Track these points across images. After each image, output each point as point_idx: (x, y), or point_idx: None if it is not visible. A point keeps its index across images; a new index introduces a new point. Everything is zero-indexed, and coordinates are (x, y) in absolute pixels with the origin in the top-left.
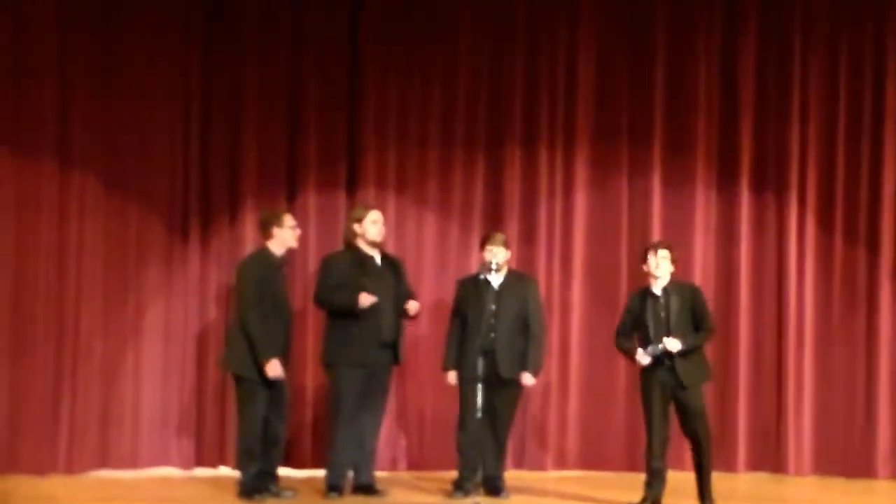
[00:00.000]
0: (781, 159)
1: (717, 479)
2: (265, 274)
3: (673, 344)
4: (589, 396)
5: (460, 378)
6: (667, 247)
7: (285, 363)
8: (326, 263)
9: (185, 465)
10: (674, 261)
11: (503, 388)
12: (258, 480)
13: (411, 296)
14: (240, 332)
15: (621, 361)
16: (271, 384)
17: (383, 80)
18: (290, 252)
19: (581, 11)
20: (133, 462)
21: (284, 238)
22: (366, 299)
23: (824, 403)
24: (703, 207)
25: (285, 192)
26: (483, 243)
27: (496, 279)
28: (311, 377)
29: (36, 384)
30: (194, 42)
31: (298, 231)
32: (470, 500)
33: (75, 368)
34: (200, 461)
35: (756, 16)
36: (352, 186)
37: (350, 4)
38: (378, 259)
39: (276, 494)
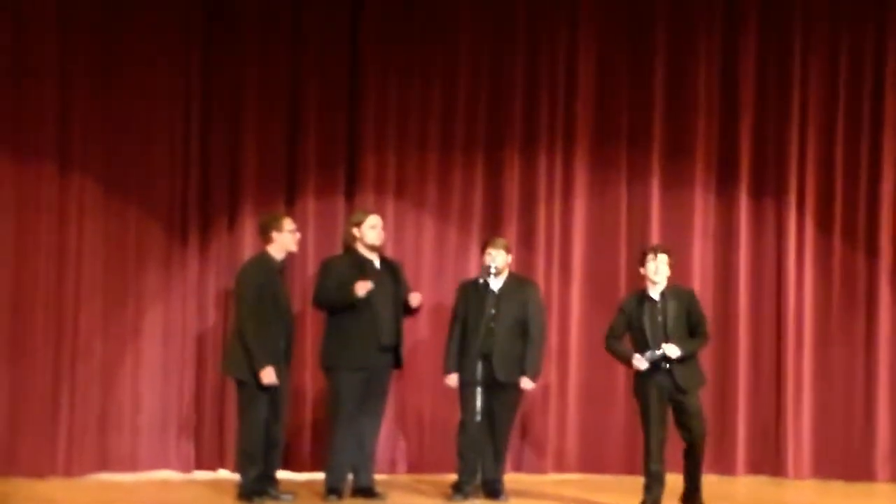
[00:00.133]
0: (781, 162)
1: (716, 481)
2: (265, 278)
3: (673, 350)
4: (588, 400)
5: (460, 381)
6: (666, 251)
7: (286, 367)
8: (326, 267)
9: (185, 468)
10: (671, 265)
11: (502, 392)
12: (257, 483)
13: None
14: (239, 337)
15: (621, 365)
16: (271, 388)
17: (383, 82)
18: (290, 256)
19: (581, 13)
20: (132, 465)
21: (284, 242)
22: (361, 288)
23: (823, 406)
24: (702, 210)
25: (284, 195)
26: (484, 247)
27: (496, 283)
28: (311, 380)
29: (35, 387)
30: (194, 43)
31: (298, 235)
32: (469, 503)
33: (74, 371)
34: (200, 464)
35: (756, 17)
36: (351, 190)
37: (350, 5)
38: (377, 263)
39: (276, 497)
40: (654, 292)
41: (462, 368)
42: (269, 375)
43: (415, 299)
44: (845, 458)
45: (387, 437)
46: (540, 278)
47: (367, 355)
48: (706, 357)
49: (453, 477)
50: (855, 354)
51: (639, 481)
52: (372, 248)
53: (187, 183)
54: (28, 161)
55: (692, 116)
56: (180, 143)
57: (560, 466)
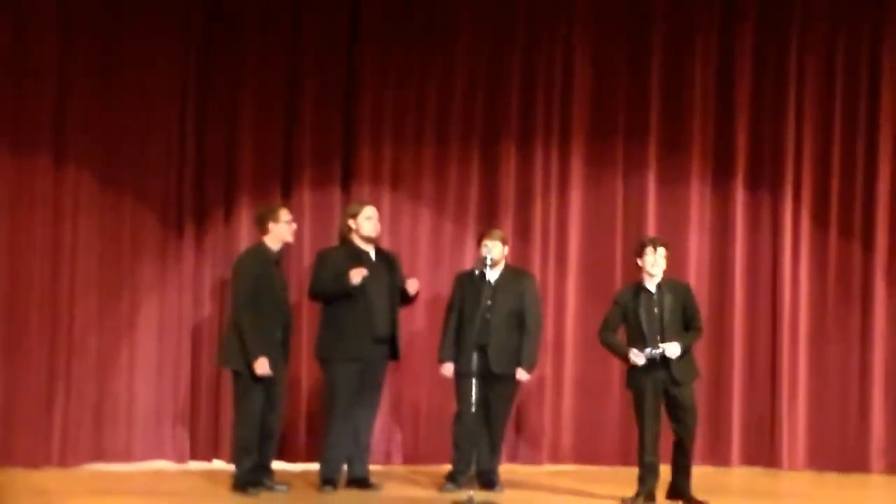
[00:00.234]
0: (777, 157)
1: (711, 473)
2: (261, 269)
3: (673, 349)
4: (583, 391)
5: (456, 372)
6: (665, 245)
7: (284, 358)
8: (321, 258)
9: (179, 459)
10: (667, 258)
11: (498, 383)
12: (252, 474)
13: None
14: (235, 328)
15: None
16: (266, 379)
17: (380, 77)
18: (286, 247)
19: (578, 10)
20: (127, 455)
21: (280, 233)
22: (356, 275)
23: (818, 398)
24: (698, 205)
25: (280, 187)
26: (480, 238)
27: (493, 274)
28: (306, 371)
29: (30, 378)
30: (193, 40)
31: (294, 226)
32: (463, 493)
33: (70, 363)
34: (194, 455)
35: (753, 15)
36: (347, 182)
37: (349, 2)
38: (373, 254)
39: (270, 488)
40: (651, 284)
41: (458, 359)
42: (262, 366)
43: (412, 286)
44: (840, 450)
45: (382, 429)
46: (536, 271)
47: (362, 347)
48: (701, 349)
49: (448, 468)
50: (850, 347)
51: (633, 472)
52: (368, 239)
53: (182, 176)
54: (23, 155)
55: (688, 111)
56: (176, 135)
57: (555, 457)
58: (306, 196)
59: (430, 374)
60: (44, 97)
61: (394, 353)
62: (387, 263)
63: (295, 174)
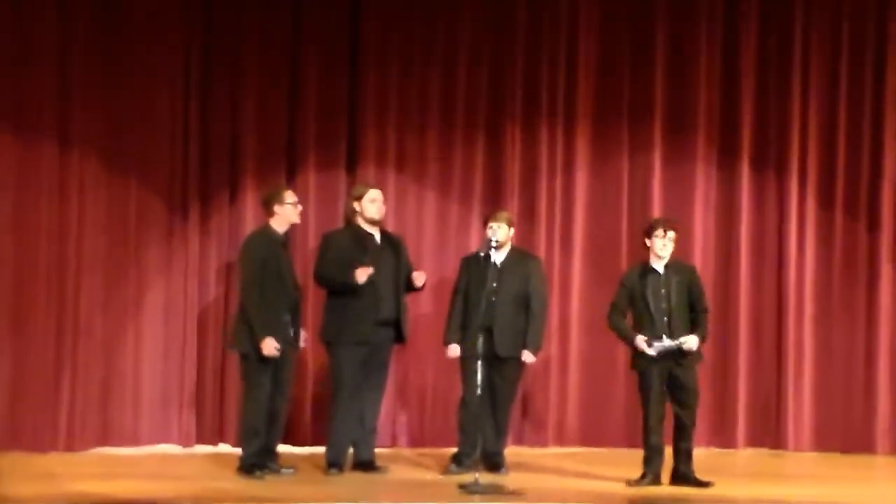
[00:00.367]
0: (782, 137)
1: (717, 454)
2: (268, 252)
3: (692, 342)
4: (589, 373)
5: (462, 355)
6: (675, 228)
7: (294, 340)
8: (326, 241)
9: (186, 442)
10: (675, 241)
11: (503, 366)
12: (258, 457)
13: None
14: (242, 310)
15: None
16: (274, 361)
17: (384, 59)
18: (292, 229)
19: None
20: (133, 439)
21: (286, 215)
22: (362, 274)
23: (824, 379)
24: (704, 185)
25: (285, 169)
26: (486, 221)
27: (498, 256)
28: (312, 355)
29: (37, 362)
30: (195, 21)
31: (300, 207)
32: (469, 475)
33: (76, 346)
34: (201, 438)
35: None
36: (352, 165)
37: None
38: (378, 237)
39: (276, 471)
40: (659, 266)
41: (463, 342)
42: (269, 347)
43: (419, 279)
44: (845, 431)
45: (388, 412)
46: (541, 252)
47: (367, 330)
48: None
49: (454, 451)
50: (855, 328)
51: (639, 455)
52: (372, 222)
53: (188, 158)
54: (28, 138)
55: (693, 90)
56: (181, 118)
57: (561, 440)
58: (311, 178)
59: (435, 357)
60: (46, 80)
61: (399, 337)
62: (392, 246)
63: (300, 157)
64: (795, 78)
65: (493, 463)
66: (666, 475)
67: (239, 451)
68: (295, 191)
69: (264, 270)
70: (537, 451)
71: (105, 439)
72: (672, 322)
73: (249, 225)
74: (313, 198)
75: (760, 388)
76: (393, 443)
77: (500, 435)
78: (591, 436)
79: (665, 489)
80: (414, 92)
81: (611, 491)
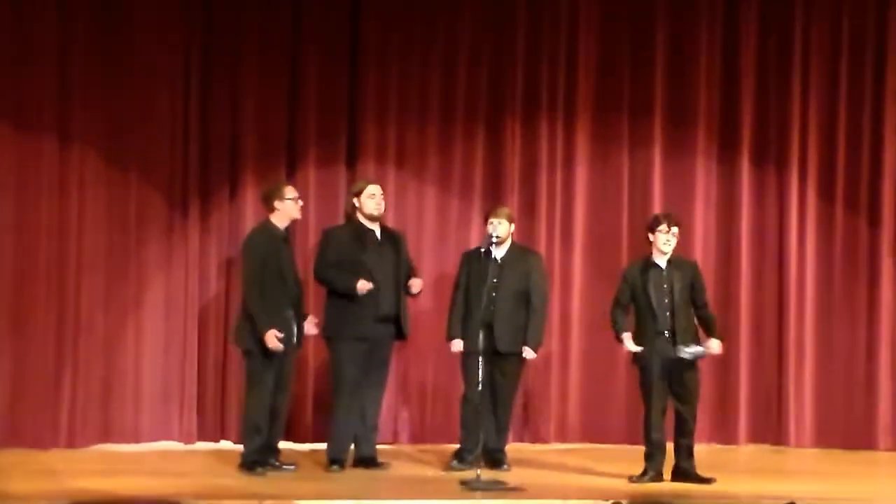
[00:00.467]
0: (782, 132)
1: (718, 450)
2: (269, 249)
3: (717, 346)
4: (590, 369)
5: (463, 351)
6: (678, 224)
7: (298, 335)
8: (326, 237)
9: (187, 439)
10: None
11: (504, 362)
12: (259, 454)
13: (412, 269)
14: (244, 307)
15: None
16: (278, 357)
17: (384, 54)
18: (293, 224)
19: None
20: (135, 436)
21: (287, 210)
22: (363, 286)
23: (825, 375)
24: (704, 179)
25: (285, 166)
26: (487, 216)
27: (499, 252)
28: (313, 351)
29: (38, 359)
30: (195, 17)
31: (301, 202)
32: (471, 472)
33: (76, 343)
34: (202, 435)
35: None
36: (352, 161)
37: None
38: (378, 233)
39: (278, 468)
40: (661, 261)
41: (465, 338)
42: (271, 339)
43: (415, 286)
44: (847, 427)
45: (389, 408)
46: (542, 247)
47: (367, 326)
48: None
49: (456, 447)
50: (857, 324)
51: (640, 451)
52: (371, 217)
53: (188, 154)
54: (28, 136)
55: (694, 85)
56: (181, 115)
57: (562, 436)
58: (311, 175)
59: (436, 353)
60: (46, 77)
61: (400, 333)
62: (392, 242)
63: (300, 153)
64: (795, 73)
65: (495, 459)
66: (667, 471)
67: (240, 447)
68: (295, 187)
69: (265, 267)
70: (539, 447)
71: (106, 436)
72: (674, 317)
73: (250, 221)
74: (313, 194)
75: (761, 383)
76: (394, 439)
77: (501, 431)
78: (593, 432)
79: (667, 485)
80: (414, 87)
81: (612, 487)
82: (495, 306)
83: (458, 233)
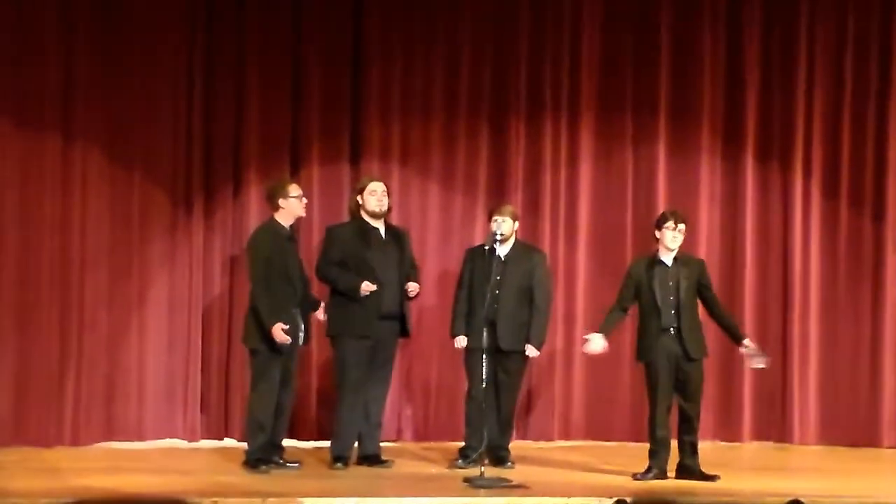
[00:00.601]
0: (787, 128)
1: (722, 448)
2: (273, 247)
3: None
4: (594, 367)
5: (467, 348)
6: (685, 220)
7: (306, 334)
8: (329, 235)
9: (191, 437)
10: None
11: (507, 360)
12: (264, 451)
13: (415, 268)
14: (251, 306)
15: (627, 332)
16: (284, 353)
17: (387, 50)
18: (297, 221)
19: None
20: (139, 434)
21: (292, 208)
22: (366, 288)
23: (829, 372)
24: (708, 177)
25: (289, 164)
26: (491, 214)
27: (503, 250)
28: (317, 349)
29: (42, 356)
30: (198, 14)
31: (305, 200)
32: (475, 469)
33: (81, 341)
34: (206, 432)
35: None
36: (355, 158)
37: None
38: (382, 231)
39: (282, 465)
40: (667, 258)
41: (468, 335)
42: (278, 332)
43: (412, 290)
44: (851, 425)
45: (393, 405)
46: (545, 245)
47: (371, 323)
48: (712, 322)
49: (460, 444)
50: (861, 320)
51: (644, 448)
52: (374, 214)
53: (191, 151)
54: (31, 133)
55: (698, 82)
56: (184, 111)
57: (566, 433)
58: (315, 172)
59: (440, 351)
60: (49, 75)
61: (403, 331)
62: (396, 240)
63: (303, 150)
64: (800, 70)
65: (499, 457)
66: (671, 469)
67: (244, 445)
68: (299, 185)
69: (270, 265)
70: (543, 444)
71: (110, 434)
72: (680, 314)
73: (253, 219)
74: (317, 192)
75: (766, 381)
76: (398, 437)
77: (505, 428)
78: (597, 429)
79: (671, 483)
80: (417, 85)
81: (616, 484)
82: (498, 304)
83: (461, 230)
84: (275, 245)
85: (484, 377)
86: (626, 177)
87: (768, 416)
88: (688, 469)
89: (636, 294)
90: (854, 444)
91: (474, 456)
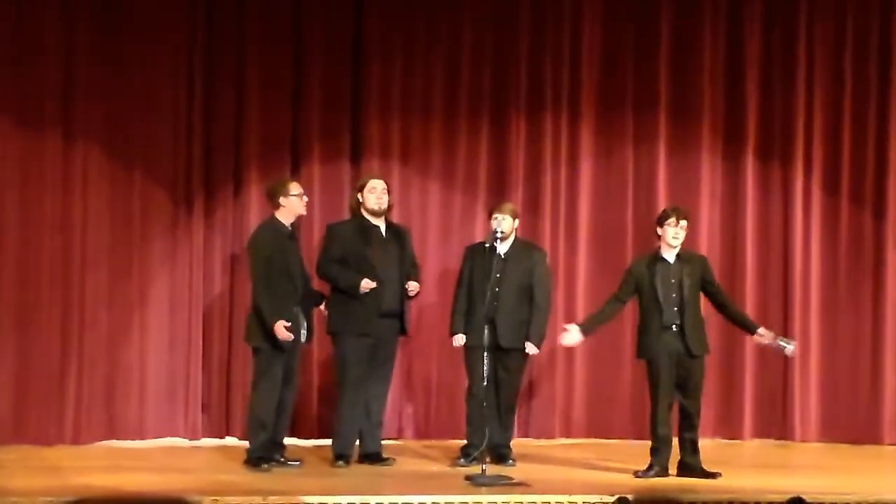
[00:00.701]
0: (787, 126)
1: (724, 445)
2: (274, 246)
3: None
4: (595, 364)
5: (467, 346)
6: (687, 217)
7: (308, 331)
8: (330, 232)
9: (192, 435)
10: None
11: (507, 357)
12: (265, 450)
13: (416, 266)
14: (252, 304)
15: (627, 329)
16: (287, 352)
17: (387, 49)
18: (298, 220)
19: None
20: (140, 432)
21: (292, 206)
22: (366, 285)
23: (830, 369)
24: (709, 174)
25: (290, 162)
26: (491, 212)
27: (503, 247)
28: (318, 347)
29: (43, 355)
30: (198, 11)
31: (306, 198)
32: (476, 467)
33: (81, 339)
34: (207, 431)
35: None
36: (356, 157)
37: None
38: (383, 229)
39: (283, 464)
40: (669, 255)
41: (468, 333)
42: (281, 330)
43: (412, 289)
44: (852, 422)
45: (394, 403)
46: (546, 243)
47: (371, 321)
48: (713, 320)
49: (460, 442)
50: (862, 318)
51: (645, 446)
52: (373, 212)
53: (192, 150)
54: (31, 133)
55: (698, 80)
56: (184, 110)
57: (567, 431)
58: (316, 171)
59: (440, 349)
60: (49, 75)
61: (401, 329)
62: (397, 238)
63: (304, 149)
64: (800, 68)
65: (500, 454)
66: (673, 466)
67: (245, 443)
68: (299, 183)
69: (271, 264)
70: (544, 442)
71: (111, 432)
72: (684, 311)
73: (254, 217)
74: (318, 190)
75: (767, 378)
76: (399, 435)
77: (506, 426)
78: (598, 427)
79: (672, 480)
80: (418, 83)
81: (618, 482)
82: (498, 301)
83: (462, 229)
84: (276, 243)
85: (485, 375)
86: (626, 175)
87: (769, 414)
88: (689, 466)
89: (636, 291)
90: (855, 441)
91: (476, 454)
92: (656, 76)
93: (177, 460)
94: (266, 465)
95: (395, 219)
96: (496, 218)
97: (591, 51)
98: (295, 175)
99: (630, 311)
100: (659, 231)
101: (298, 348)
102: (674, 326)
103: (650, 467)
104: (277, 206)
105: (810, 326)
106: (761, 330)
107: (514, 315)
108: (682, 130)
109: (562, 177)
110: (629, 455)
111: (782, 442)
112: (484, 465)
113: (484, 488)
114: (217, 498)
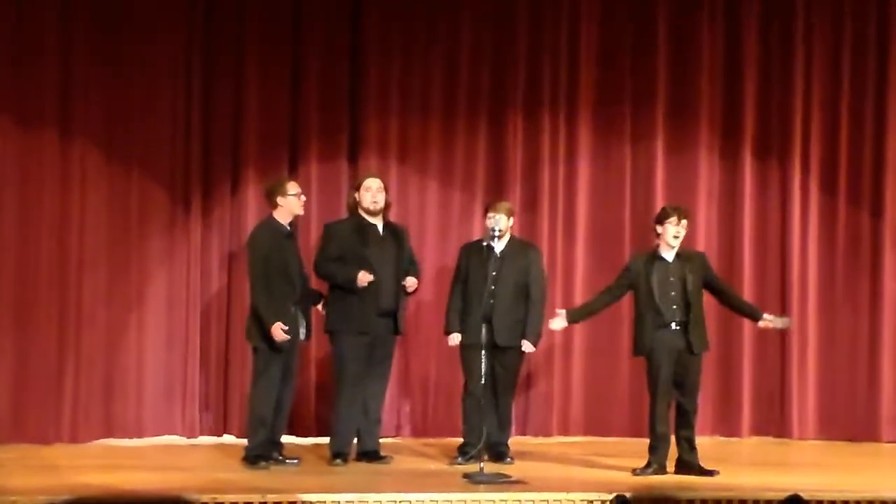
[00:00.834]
0: (785, 124)
1: (722, 443)
2: (272, 245)
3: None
4: (593, 362)
5: (463, 344)
6: (687, 216)
7: (306, 331)
8: (328, 232)
9: (190, 434)
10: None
11: (503, 355)
12: (263, 448)
13: (414, 264)
14: (251, 304)
15: (625, 327)
16: (285, 350)
17: (385, 48)
18: (296, 219)
19: None
20: (138, 431)
21: (290, 206)
22: (364, 278)
23: (828, 367)
24: (707, 172)
25: (287, 161)
26: (486, 210)
27: (498, 246)
28: (315, 345)
29: (40, 354)
30: (197, 12)
31: (304, 198)
32: (474, 465)
33: (79, 338)
34: (205, 429)
35: None
36: (354, 155)
37: None
38: (380, 227)
39: (281, 462)
40: (668, 254)
41: (465, 331)
42: (277, 331)
43: (410, 285)
44: (850, 420)
45: (391, 402)
46: (544, 241)
47: (368, 320)
48: (711, 318)
49: (458, 441)
50: (859, 316)
51: (643, 444)
52: (369, 211)
53: (189, 149)
54: (30, 130)
55: (696, 78)
56: (182, 109)
57: (565, 429)
58: (313, 169)
59: (438, 347)
60: (48, 73)
61: (396, 328)
62: (394, 237)
63: (302, 148)
64: (798, 65)
65: (498, 452)
66: (671, 464)
67: (243, 441)
68: (297, 182)
69: (269, 263)
70: (542, 440)
71: (109, 431)
72: (689, 309)
73: (252, 216)
74: (315, 189)
75: (765, 376)
76: (397, 433)
77: (503, 424)
78: (596, 425)
79: (670, 478)
80: (415, 82)
81: (616, 480)
82: (495, 300)
83: (460, 227)
84: (274, 243)
85: (483, 373)
86: (624, 173)
87: (767, 412)
88: (687, 464)
89: (632, 288)
90: (853, 439)
91: (473, 452)
92: (654, 74)
93: (175, 459)
94: (264, 464)
95: (393, 217)
96: (492, 216)
97: (589, 49)
98: (293, 174)
99: (628, 309)
100: (658, 229)
101: (297, 347)
102: (677, 324)
103: (648, 465)
104: (275, 205)
105: (808, 324)
106: (766, 315)
107: (510, 313)
108: (679, 128)
109: (559, 175)
110: (627, 453)
111: (780, 439)
112: (482, 463)
113: (482, 486)
114: (215, 496)
